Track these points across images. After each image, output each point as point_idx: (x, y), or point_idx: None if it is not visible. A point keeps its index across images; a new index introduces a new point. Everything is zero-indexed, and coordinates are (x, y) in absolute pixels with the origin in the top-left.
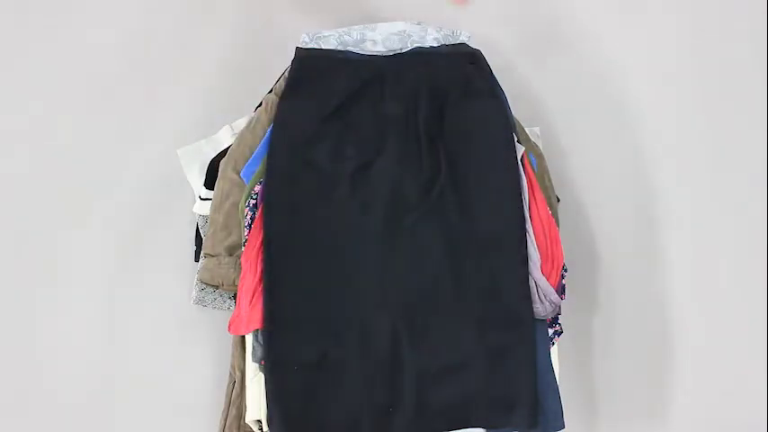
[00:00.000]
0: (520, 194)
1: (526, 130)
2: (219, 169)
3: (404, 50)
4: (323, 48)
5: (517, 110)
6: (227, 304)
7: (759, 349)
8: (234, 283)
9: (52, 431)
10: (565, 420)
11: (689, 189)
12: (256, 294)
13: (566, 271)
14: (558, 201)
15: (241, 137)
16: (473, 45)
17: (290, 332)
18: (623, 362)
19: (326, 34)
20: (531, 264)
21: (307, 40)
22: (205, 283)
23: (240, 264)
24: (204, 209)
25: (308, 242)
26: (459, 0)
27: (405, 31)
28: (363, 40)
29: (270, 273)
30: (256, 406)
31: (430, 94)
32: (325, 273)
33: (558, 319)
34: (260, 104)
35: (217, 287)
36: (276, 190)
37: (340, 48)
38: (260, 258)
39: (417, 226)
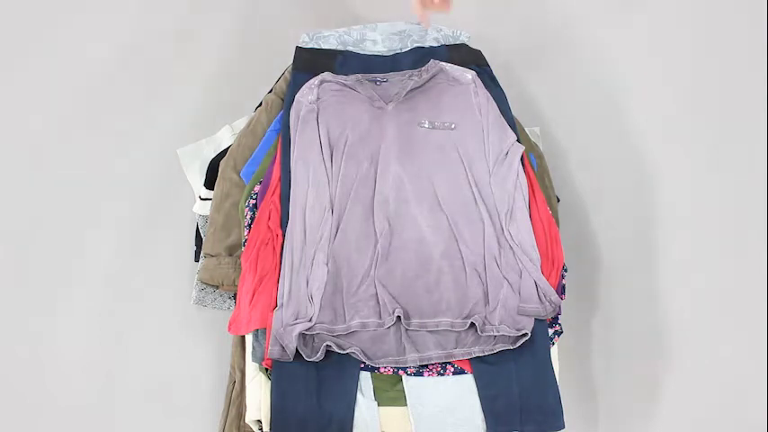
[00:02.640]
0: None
1: (526, 130)
2: (219, 169)
3: (404, 50)
4: (323, 47)
5: (517, 110)
6: (227, 304)
7: (759, 349)
8: (234, 283)
9: (53, 431)
10: (565, 420)
11: (689, 189)
12: (256, 294)
13: (566, 271)
14: (558, 201)
15: (241, 137)
16: (473, 45)
17: None
18: (623, 361)
19: (326, 34)
20: (531, 264)
21: (307, 39)
22: (205, 283)
23: (240, 264)
24: (204, 209)
25: None
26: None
27: (405, 31)
28: (363, 40)
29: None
30: (256, 406)
31: None
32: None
33: (558, 319)
34: (260, 104)
35: (217, 287)
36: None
37: (340, 47)
38: (260, 258)
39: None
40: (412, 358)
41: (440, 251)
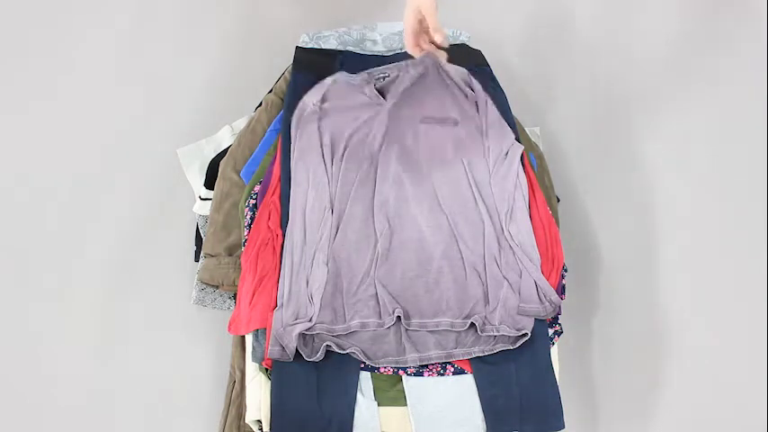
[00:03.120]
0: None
1: (526, 130)
2: (219, 169)
3: (404, 50)
4: (323, 47)
5: (517, 110)
6: (227, 304)
7: (758, 349)
8: (234, 283)
9: (53, 431)
10: (565, 420)
11: (689, 190)
12: (256, 294)
13: (566, 271)
14: (558, 201)
15: (241, 137)
16: (473, 45)
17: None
18: (622, 362)
19: (326, 34)
20: (531, 264)
21: (307, 39)
22: (205, 283)
23: (240, 264)
24: (204, 209)
25: None
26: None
27: None
28: (363, 40)
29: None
30: (256, 406)
31: None
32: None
33: (558, 319)
34: (260, 104)
35: (217, 287)
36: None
37: (340, 48)
38: (259, 258)
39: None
40: (412, 358)
41: (440, 251)
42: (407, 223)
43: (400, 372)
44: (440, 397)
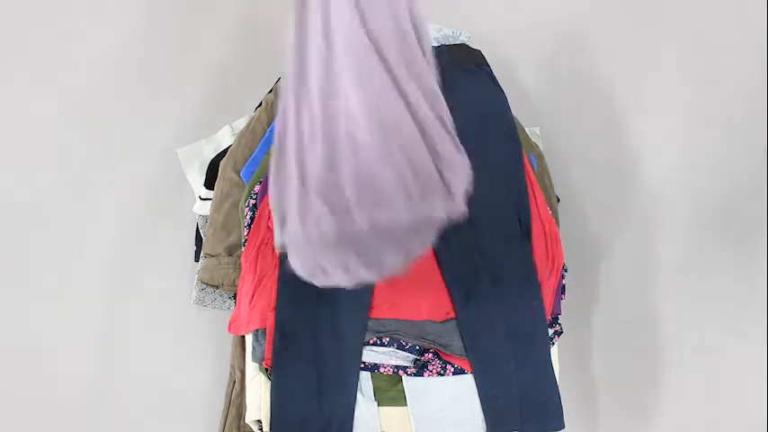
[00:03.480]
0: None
1: (526, 130)
2: (219, 169)
3: None
4: None
5: (517, 110)
6: (227, 304)
7: (759, 349)
8: (234, 283)
9: (53, 431)
10: (565, 420)
11: (689, 189)
12: (256, 295)
13: (566, 271)
14: (558, 201)
15: (241, 137)
16: (473, 45)
17: None
18: (623, 361)
19: None
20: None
21: None
22: (205, 283)
23: (240, 264)
24: (204, 209)
25: None
26: None
27: None
28: None
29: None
30: (256, 406)
31: None
32: None
33: (558, 319)
34: (260, 104)
35: (217, 287)
36: None
37: None
38: (259, 258)
39: None
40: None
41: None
42: (337, 95)
43: (400, 372)
44: (440, 397)
